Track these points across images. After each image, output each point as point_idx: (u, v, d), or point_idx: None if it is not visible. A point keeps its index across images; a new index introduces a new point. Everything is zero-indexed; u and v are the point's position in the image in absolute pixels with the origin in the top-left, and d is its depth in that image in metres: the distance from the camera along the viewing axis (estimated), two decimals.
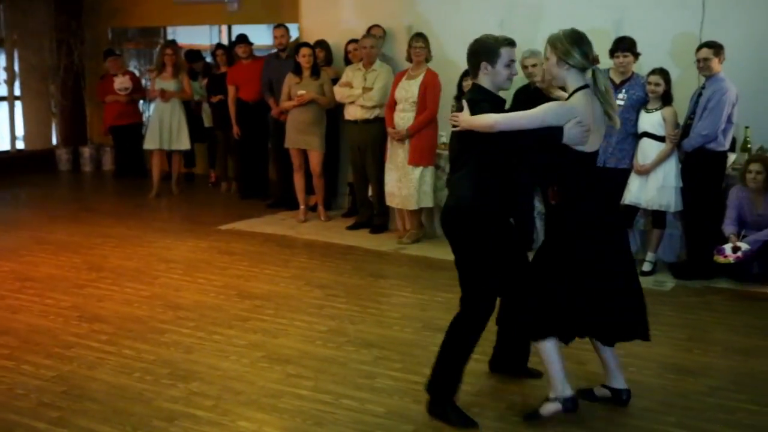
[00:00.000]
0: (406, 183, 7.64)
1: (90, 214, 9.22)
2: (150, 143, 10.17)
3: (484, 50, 3.98)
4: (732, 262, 6.29)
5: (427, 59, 7.62)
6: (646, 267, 6.80)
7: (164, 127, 10.06)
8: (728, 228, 6.44)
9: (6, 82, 12.29)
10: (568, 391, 3.96)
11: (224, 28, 12.30)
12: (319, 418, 4.11)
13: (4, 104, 12.36)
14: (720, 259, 6.32)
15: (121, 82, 11.28)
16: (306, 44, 8.56)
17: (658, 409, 4.23)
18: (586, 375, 4.51)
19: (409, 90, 7.58)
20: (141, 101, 11.87)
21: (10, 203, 10.32)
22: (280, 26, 9.43)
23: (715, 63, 6.43)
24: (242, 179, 10.28)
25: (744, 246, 6.27)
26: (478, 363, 4.45)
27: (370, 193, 8.35)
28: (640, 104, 6.74)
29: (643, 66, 6.91)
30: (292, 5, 9.87)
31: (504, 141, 3.81)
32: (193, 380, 4.56)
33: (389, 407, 4.23)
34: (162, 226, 8.65)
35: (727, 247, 6.32)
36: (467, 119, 3.88)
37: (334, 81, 8.51)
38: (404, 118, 7.60)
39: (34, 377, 4.60)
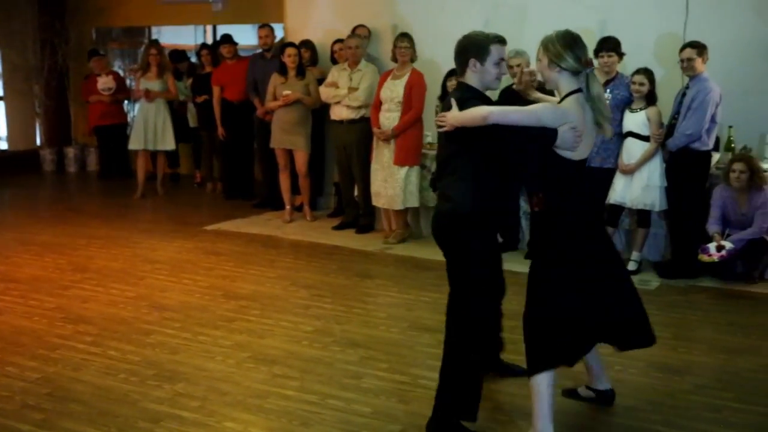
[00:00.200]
0: (391, 183, 7.65)
1: (75, 215, 9.17)
2: (135, 143, 10.13)
3: (473, 46, 3.81)
4: (716, 260, 6.32)
5: (413, 59, 7.62)
6: (631, 266, 6.82)
7: (149, 127, 10.02)
8: (712, 227, 6.47)
9: None
10: None
11: (209, 28, 12.29)
12: (305, 418, 4.10)
13: None
14: (704, 257, 6.36)
15: (104, 82, 11.23)
16: (291, 44, 8.55)
17: (644, 408, 4.25)
18: (571, 374, 4.51)
19: (394, 90, 7.58)
20: (126, 101, 11.83)
21: None
22: (265, 26, 9.42)
23: (698, 63, 6.46)
24: (227, 179, 10.26)
25: (728, 245, 6.31)
26: None
27: (355, 193, 8.35)
28: (625, 104, 6.76)
29: (627, 66, 6.94)
30: (277, 5, 9.85)
31: (498, 139, 3.66)
32: (179, 381, 4.55)
33: (375, 407, 4.23)
34: (147, 226, 8.62)
35: (712, 246, 6.35)
36: (456, 116, 3.69)
37: (320, 81, 8.50)
38: (389, 118, 7.60)
39: (18, 379, 4.58)
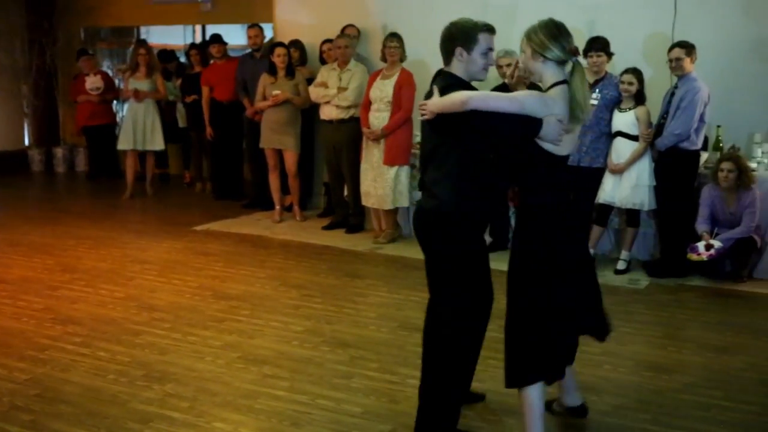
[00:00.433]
0: (381, 183, 7.65)
1: (63, 216, 9.14)
2: (124, 144, 10.11)
3: (460, 34, 3.64)
4: (705, 259, 6.35)
5: (402, 59, 7.63)
6: (621, 265, 6.84)
7: (138, 127, 10.00)
8: (701, 226, 6.50)
9: None
10: None
11: (198, 27, 12.27)
12: (295, 418, 4.10)
13: None
14: (693, 256, 6.38)
15: (92, 82, 11.19)
16: (280, 44, 8.54)
17: (633, 407, 4.26)
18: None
19: (383, 90, 7.58)
20: (114, 101, 11.79)
21: None
22: (255, 26, 9.40)
23: (687, 63, 6.49)
24: (217, 179, 10.24)
25: (717, 244, 6.33)
26: None
27: (345, 192, 8.35)
28: (614, 104, 6.78)
29: (616, 66, 6.96)
30: (267, 5, 9.84)
31: (481, 128, 3.47)
32: (169, 382, 4.54)
33: (366, 407, 4.23)
34: (136, 227, 8.60)
35: (700, 245, 6.37)
36: (435, 102, 3.53)
37: (309, 81, 8.50)
38: (379, 117, 7.60)
39: (6, 380, 4.55)
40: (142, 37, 12.13)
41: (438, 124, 3.58)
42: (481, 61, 3.67)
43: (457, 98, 3.44)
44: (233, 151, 9.95)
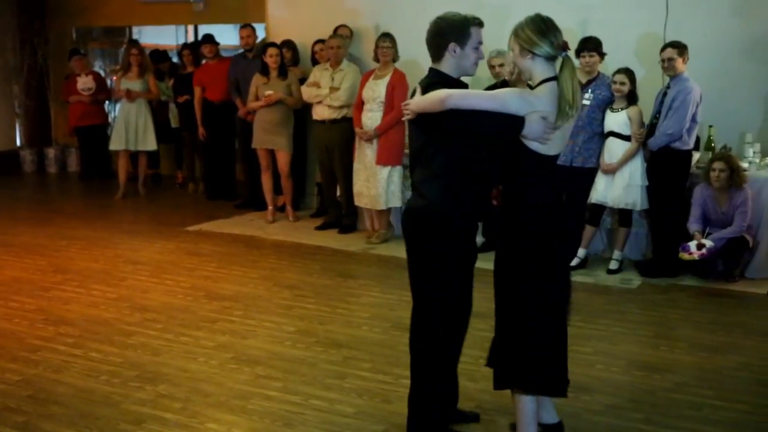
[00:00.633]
0: (374, 183, 7.64)
1: (55, 216, 9.12)
2: (116, 144, 10.09)
3: (453, 29, 3.53)
4: (697, 258, 6.36)
5: (395, 59, 7.63)
6: (613, 265, 6.85)
7: (130, 127, 9.98)
8: (693, 226, 6.51)
9: None
10: None
11: (190, 28, 12.24)
12: (288, 419, 4.10)
13: None
14: (685, 256, 6.39)
15: (84, 83, 11.16)
16: (273, 44, 8.53)
17: (625, 406, 4.27)
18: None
19: (376, 90, 7.58)
20: (106, 102, 11.77)
21: None
22: (247, 26, 9.39)
23: (679, 63, 6.50)
24: (209, 180, 10.22)
25: (708, 243, 6.35)
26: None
27: (338, 193, 8.35)
28: (606, 104, 6.79)
29: (608, 66, 6.97)
30: (259, 5, 9.83)
31: (460, 127, 3.38)
32: (161, 382, 4.53)
33: (358, 407, 4.23)
34: (129, 227, 8.59)
35: (692, 245, 6.39)
36: (416, 101, 3.46)
37: (302, 81, 8.49)
38: (372, 118, 7.60)
39: None
40: (134, 37, 12.11)
41: (421, 123, 3.52)
42: (473, 56, 3.59)
43: (436, 97, 3.37)
44: (226, 152, 9.94)
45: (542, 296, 3.49)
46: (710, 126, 7.04)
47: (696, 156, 6.94)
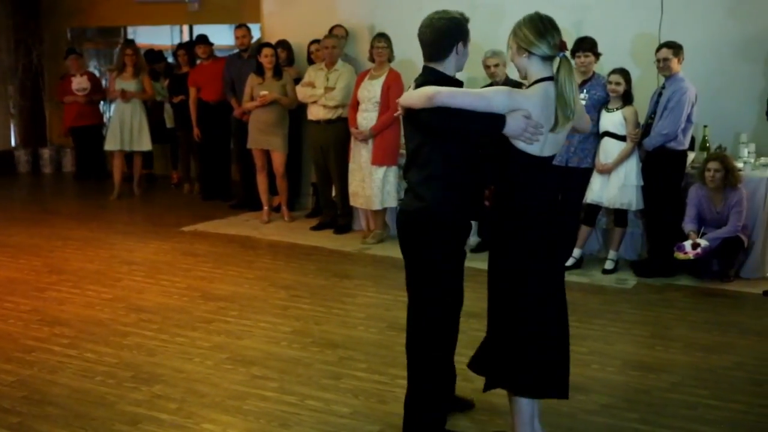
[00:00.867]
0: (369, 183, 7.64)
1: (50, 217, 9.11)
2: (111, 144, 10.07)
3: (458, 29, 3.52)
4: (692, 258, 6.37)
5: (390, 59, 7.63)
6: (608, 265, 6.86)
7: (125, 127, 9.97)
8: (688, 225, 6.52)
9: None
10: None
11: (185, 28, 12.23)
12: (284, 419, 4.09)
13: None
14: (680, 255, 6.40)
15: (78, 83, 11.13)
16: (268, 44, 8.53)
17: (621, 406, 4.27)
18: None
19: (371, 90, 7.58)
20: (101, 102, 11.75)
21: None
22: (242, 26, 9.39)
23: (674, 63, 6.51)
24: (204, 180, 10.22)
25: (703, 243, 6.36)
26: None
27: (333, 193, 8.34)
28: (601, 104, 6.80)
29: (603, 66, 6.98)
30: (254, 5, 9.83)
31: (447, 125, 3.35)
32: (157, 383, 4.52)
33: (354, 407, 4.23)
34: (124, 227, 8.57)
35: (687, 244, 6.39)
36: (404, 96, 3.45)
37: (297, 81, 8.49)
38: (367, 118, 7.59)
39: None
40: (129, 37, 12.08)
41: (410, 120, 3.50)
42: (467, 52, 3.60)
43: (424, 94, 3.35)
44: (221, 152, 9.93)
45: (533, 299, 3.46)
46: (705, 126, 7.05)
47: (691, 156, 6.95)
